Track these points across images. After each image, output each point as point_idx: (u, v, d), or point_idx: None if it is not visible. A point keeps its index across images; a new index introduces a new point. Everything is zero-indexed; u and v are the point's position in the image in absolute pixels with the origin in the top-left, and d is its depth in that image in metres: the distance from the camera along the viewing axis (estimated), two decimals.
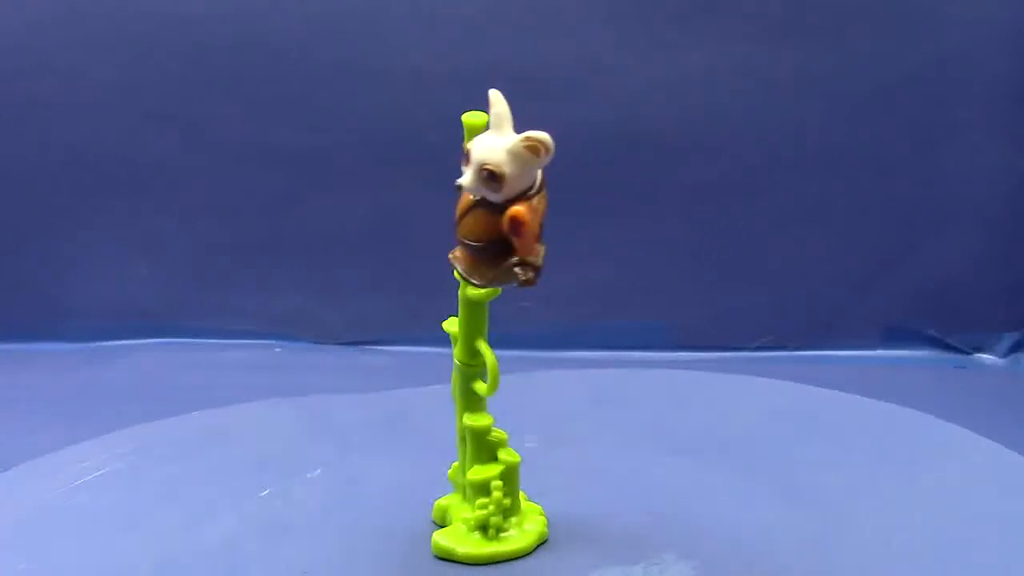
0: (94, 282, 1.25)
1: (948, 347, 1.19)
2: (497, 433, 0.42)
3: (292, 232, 1.23)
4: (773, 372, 1.11)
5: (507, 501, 0.42)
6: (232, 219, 1.23)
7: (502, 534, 0.42)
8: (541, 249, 0.36)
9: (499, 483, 0.42)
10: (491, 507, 0.42)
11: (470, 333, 0.41)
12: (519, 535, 0.42)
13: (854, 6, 1.13)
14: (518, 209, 0.34)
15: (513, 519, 0.43)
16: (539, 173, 0.35)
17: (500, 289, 0.39)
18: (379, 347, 1.24)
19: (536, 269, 0.35)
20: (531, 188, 0.34)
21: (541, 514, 0.44)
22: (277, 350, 1.24)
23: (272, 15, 1.17)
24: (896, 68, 1.14)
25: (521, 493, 0.44)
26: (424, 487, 0.46)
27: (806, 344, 1.19)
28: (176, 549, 0.43)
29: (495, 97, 0.35)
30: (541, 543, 0.43)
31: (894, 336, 1.19)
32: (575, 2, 1.15)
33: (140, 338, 1.25)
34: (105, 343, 1.25)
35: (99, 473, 0.51)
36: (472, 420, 0.42)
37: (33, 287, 1.26)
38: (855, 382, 1.06)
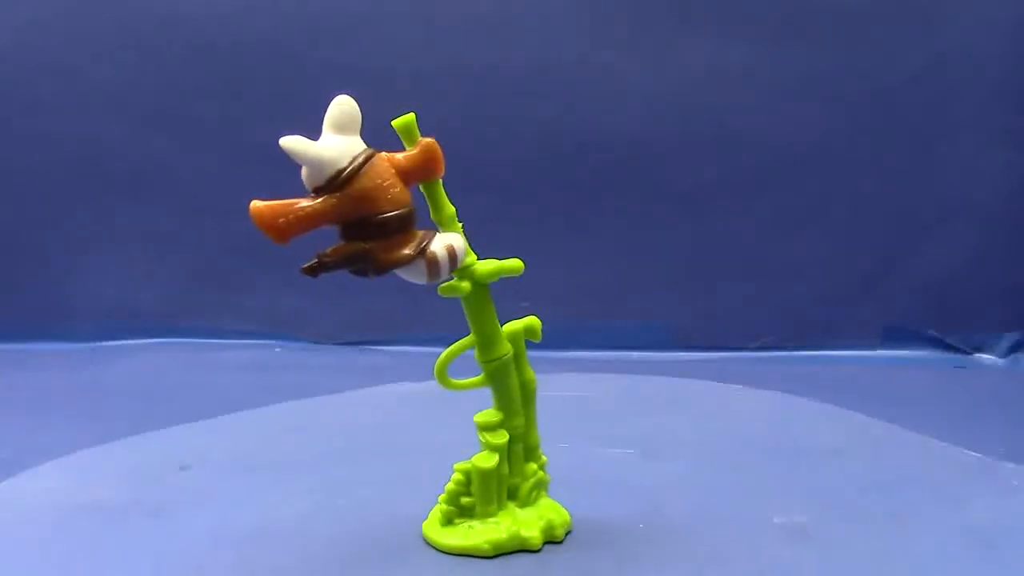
0: (94, 282, 1.25)
1: (948, 347, 1.19)
2: (495, 436, 0.42)
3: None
4: (773, 372, 1.12)
5: (465, 500, 0.43)
6: (232, 219, 1.22)
7: (448, 526, 0.43)
8: (351, 248, 0.38)
9: (459, 476, 0.43)
10: (443, 495, 0.43)
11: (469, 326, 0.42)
12: (468, 534, 0.42)
13: (854, 7, 1.13)
14: (251, 204, 0.37)
15: (477, 521, 0.43)
16: (345, 174, 0.36)
17: (459, 284, 0.40)
18: (379, 347, 1.24)
19: (322, 262, 0.37)
20: (321, 186, 0.36)
21: (559, 525, 0.43)
22: (277, 350, 1.24)
23: (272, 15, 1.17)
24: (896, 68, 1.14)
25: (560, 510, 0.44)
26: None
27: (806, 344, 1.19)
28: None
29: (334, 101, 0.36)
30: (493, 555, 0.41)
31: (894, 336, 1.19)
32: (575, 3, 1.15)
33: (140, 338, 1.25)
34: (105, 343, 1.25)
35: None
36: (478, 416, 0.43)
37: (33, 287, 1.26)
38: (855, 382, 1.07)
